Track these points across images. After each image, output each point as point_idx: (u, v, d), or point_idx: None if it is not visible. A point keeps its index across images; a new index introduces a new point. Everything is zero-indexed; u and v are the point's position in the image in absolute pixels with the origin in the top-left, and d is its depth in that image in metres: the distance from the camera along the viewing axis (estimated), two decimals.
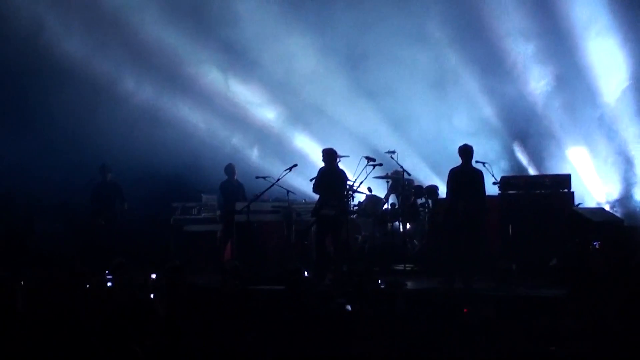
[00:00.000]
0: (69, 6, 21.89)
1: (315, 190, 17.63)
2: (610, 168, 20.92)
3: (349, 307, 13.29)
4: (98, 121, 21.74)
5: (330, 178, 17.43)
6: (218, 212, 20.06)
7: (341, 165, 18.45)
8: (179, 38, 22.49)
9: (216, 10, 22.56)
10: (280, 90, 22.92)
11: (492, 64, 21.86)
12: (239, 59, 22.78)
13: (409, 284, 16.07)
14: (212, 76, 22.95)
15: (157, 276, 15.32)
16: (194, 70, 22.82)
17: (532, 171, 21.39)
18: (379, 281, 15.43)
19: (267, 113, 23.29)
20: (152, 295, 13.80)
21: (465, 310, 13.20)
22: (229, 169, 20.14)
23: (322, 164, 17.77)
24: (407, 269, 18.48)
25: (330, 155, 17.60)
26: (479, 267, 16.49)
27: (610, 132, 20.98)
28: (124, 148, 21.11)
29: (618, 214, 19.07)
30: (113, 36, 22.17)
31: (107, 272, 16.25)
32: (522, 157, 21.74)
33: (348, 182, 18.50)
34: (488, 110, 22.05)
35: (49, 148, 21.54)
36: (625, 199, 20.50)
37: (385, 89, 22.43)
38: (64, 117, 21.58)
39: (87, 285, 14.84)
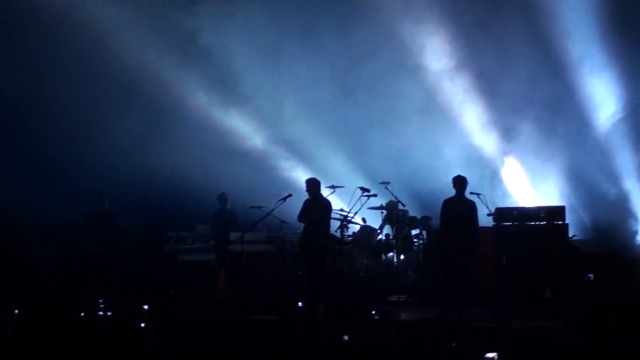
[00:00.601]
0: (60, 34, 21.75)
1: (300, 219, 17.48)
2: (603, 199, 20.79)
3: (346, 338, 13.16)
4: (92, 148, 21.59)
5: (316, 208, 17.28)
6: (212, 242, 19.88)
7: (335, 196, 18.35)
8: (169, 67, 22.37)
9: (205, 41, 22.41)
10: (273, 121, 22.75)
11: (486, 95, 21.76)
12: (230, 89, 22.64)
13: (403, 315, 15.92)
14: (203, 106, 22.79)
15: (150, 305, 15.16)
16: (185, 99, 22.65)
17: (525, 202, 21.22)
18: (373, 312, 15.25)
19: (260, 143, 23.12)
20: (143, 325, 13.61)
21: (454, 344, 13.01)
22: (222, 198, 20.06)
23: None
24: (401, 299, 18.41)
25: (313, 185, 17.45)
26: (472, 298, 16.32)
27: (602, 163, 20.86)
28: (118, 175, 20.94)
29: (611, 246, 18.91)
30: (102, 63, 22.01)
31: (100, 300, 16.11)
32: (515, 188, 21.58)
33: (342, 213, 18.42)
34: (482, 141, 21.93)
35: (44, 174, 21.40)
36: (618, 230, 20.36)
37: (380, 120, 22.30)
38: (59, 144, 21.45)
39: (82, 314, 14.71)
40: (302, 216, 17.44)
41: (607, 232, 19.97)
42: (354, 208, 18.06)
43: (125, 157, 21.48)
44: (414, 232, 20.15)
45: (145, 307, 15.24)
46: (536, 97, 21.34)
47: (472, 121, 22.00)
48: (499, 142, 21.82)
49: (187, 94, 22.72)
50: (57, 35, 21.59)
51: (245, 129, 23.00)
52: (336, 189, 19.18)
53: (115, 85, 22.23)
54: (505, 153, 21.79)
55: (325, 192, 18.00)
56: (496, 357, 11.99)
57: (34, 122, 21.76)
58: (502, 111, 21.66)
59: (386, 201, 19.97)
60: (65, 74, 21.73)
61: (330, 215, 17.61)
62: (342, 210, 18.85)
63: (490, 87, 21.71)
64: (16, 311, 14.55)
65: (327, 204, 17.49)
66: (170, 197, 21.47)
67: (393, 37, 21.86)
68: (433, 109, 22.08)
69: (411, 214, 20.42)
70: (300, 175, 21.90)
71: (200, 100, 22.84)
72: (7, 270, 19.39)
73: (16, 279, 18.87)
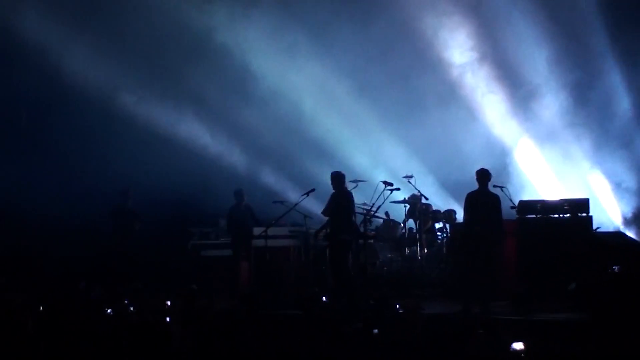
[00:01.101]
0: (80, 28, 21.82)
1: (324, 213, 17.43)
2: (626, 189, 20.74)
3: (375, 331, 13.14)
4: (113, 145, 21.63)
5: (339, 201, 17.23)
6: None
7: (358, 190, 18.32)
8: (185, 63, 22.41)
9: (221, 39, 22.39)
10: (295, 116, 22.72)
11: (509, 88, 21.72)
12: (250, 83, 22.65)
13: (426, 309, 15.87)
14: (223, 101, 22.79)
15: (174, 301, 15.20)
16: (204, 95, 22.67)
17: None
18: (397, 306, 15.20)
19: (283, 138, 23.10)
20: (168, 320, 13.65)
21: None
22: (237, 194, 19.80)
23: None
24: (425, 293, 18.33)
25: (337, 179, 17.38)
26: (495, 291, 16.25)
27: (626, 151, 20.80)
28: (140, 172, 20.95)
29: (635, 236, 18.85)
30: (123, 59, 22.08)
31: (125, 296, 16.16)
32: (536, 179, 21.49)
33: (365, 207, 18.39)
34: (504, 133, 21.88)
35: (65, 172, 21.45)
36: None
37: (402, 114, 22.26)
38: (79, 141, 21.52)
39: (109, 311, 14.75)
40: (325, 210, 17.42)
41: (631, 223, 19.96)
42: (377, 202, 17.97)
43: (147, 152, 21.52)
44: (437, 225, 20.10)
45: (168, 302, 15.29)
46: (558, 85, 21.30)
47: (494, 113, 21.96)
48: (521, 133, 21.80)
49: (207, 90, 22.72)
50: (77, 28, 21.68)
51: (265, 122, 22.99)
52: (359, 183, 19.17)
53: (137, 79, 22.29)
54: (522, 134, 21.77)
55: (348, 186, 17.97)
56: (523, 347, 11.94)
57: (53, 119, 21.82)
58: (523, 102, 21.63)
59: (409, 195, 19.94)
60: (86, 67, 21.82)
61: (352, 209, 17.52)
62: (365, 204, 18.79)
63: (512, 78, 21.70)
64: (41, 308, 14.60)
65: (349, 198, 17.44)
66: (192, 193, 21.51)
67: (414, 31, 21.82)
68: (455, 101, 22.07)
69: (434, 207, 20.40)
70: (323, 170, 21.84)
71: (221, 96, 22.85)
72: (29, 268, 19.50)
73: (38, 276, 18.98)
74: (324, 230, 17.67)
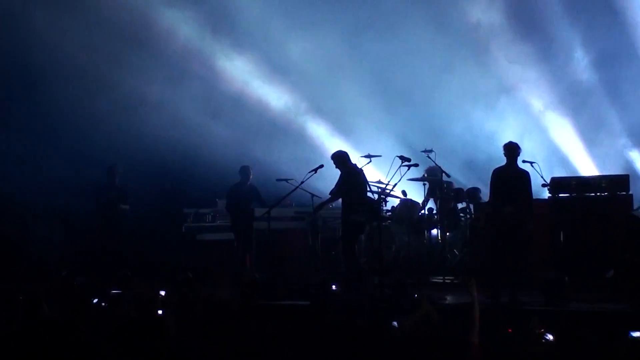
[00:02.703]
0: None
1: (333, 195, 17.43)
2: None
3: (395, 324, 13.01)
4: (92, 116, 21.61)
5: (348, 180, 17.16)
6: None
7: (373, 166, 18.24)
8: (187, 29, 22.51)
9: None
10: (309, 87, 22.78)
11: (539, 57, 21.64)
12: (264, 58, 22.72)
13: (449, 299, 15.80)
14: (226, 72, 22.81)
15: (167, 290, 15.12)
16: (206, 65, 22.70)
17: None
18: (415, 295, 15.10)
19: (296, 113, 23.13)
20: (160, 311, 13.56)
21: (510, 330, 12.81)
22: (244, 171, 19.72)
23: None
24: (447, 281, 18.33)
25: (340, 158, 17.35)
26: (526, 279, 16.12)
27: None
28: (129, 149, 20.93)
29: None
30: (113, 29, 22.15)
31: (112, 285, 16.11)
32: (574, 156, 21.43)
33: (380, 185, 18.32)
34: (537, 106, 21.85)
35: (45, 151, 21.50)
36: None
37: (421, 85, 22.20)
38: (60, 118, 21.51)
39: (95, 300, 14.70)
40: (333, 191, 17.41)
41: None
42: (393, 179, 17.83)
43: (138, 124, 21.52)
44: (460, 206, 19.98)
45: (162, 292, 15.20)
46: (590, 46, 21.26)
47: (520, 82, 21.94)
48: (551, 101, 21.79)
49: (208, 59, 22.72)
50: None
51: (278, 97, 22.99)
52: (373, 159, 19.04)
53: (129, 47, 22.31)
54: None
55: (360, 162, 17.95)
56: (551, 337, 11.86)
57: (30, 94, 21.89)
58: (556, 70, 21.58)
59: (427, 167, 19.76)
60: (61, 38, 21.83)
61: (362, 186, 17.40)
62: (380, 182, 18.70)
63: (541, 44, 21.65)
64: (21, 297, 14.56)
65: (358, 174, 17.33)
66: (188, 170, 21.49)
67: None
68: (482, 73, 21.99)
69: (457, 185, 20.28)
70: (337, 146, 21.77)
71: (223, 65, 22.85)
72: (6, 255, 19.51)
73: (17, 264, 18.99)
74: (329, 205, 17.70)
